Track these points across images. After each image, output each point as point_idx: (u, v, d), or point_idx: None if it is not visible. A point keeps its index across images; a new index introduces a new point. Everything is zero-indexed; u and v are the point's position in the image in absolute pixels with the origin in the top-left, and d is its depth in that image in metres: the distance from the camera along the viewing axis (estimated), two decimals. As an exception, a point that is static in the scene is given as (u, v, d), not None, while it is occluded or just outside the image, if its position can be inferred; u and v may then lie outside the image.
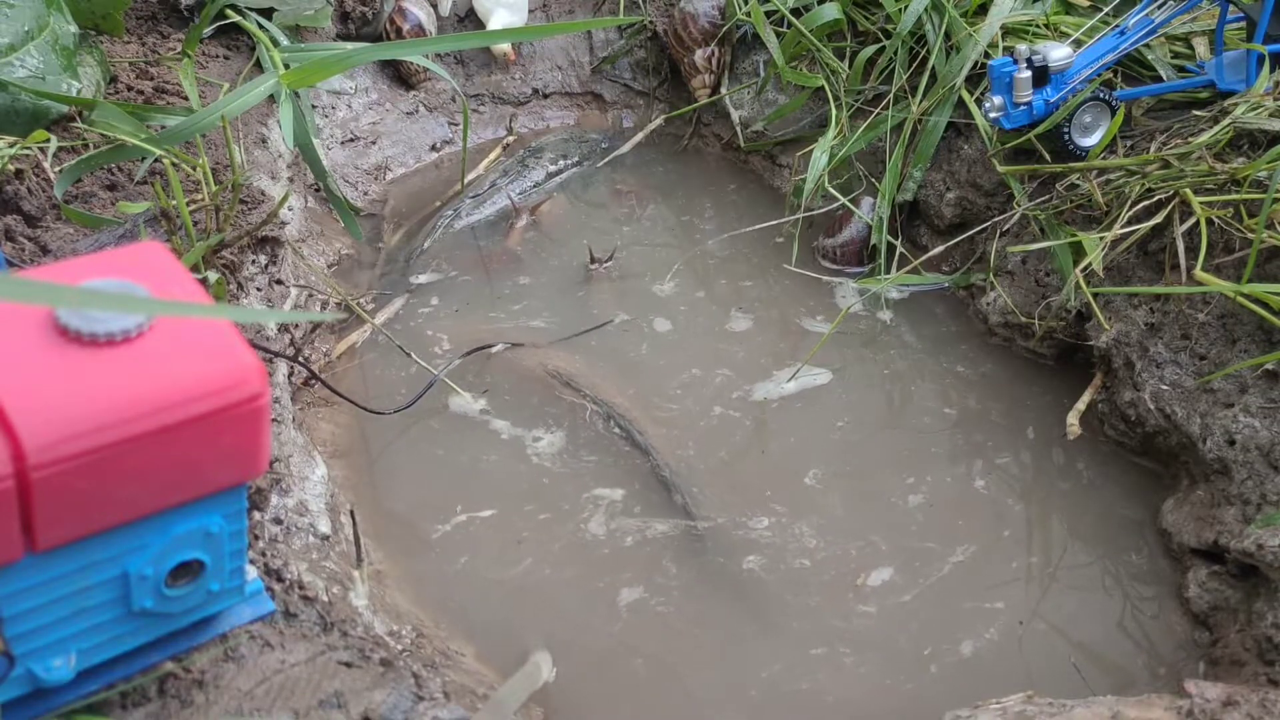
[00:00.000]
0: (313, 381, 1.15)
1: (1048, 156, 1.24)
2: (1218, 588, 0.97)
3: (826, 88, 1.48)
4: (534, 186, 1.57)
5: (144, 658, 0.65)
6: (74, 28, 1.19)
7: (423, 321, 1.32)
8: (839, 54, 1.49)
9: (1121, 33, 1.21)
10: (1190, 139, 1.14)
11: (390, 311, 1.32)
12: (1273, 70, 1.16)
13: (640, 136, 1.70)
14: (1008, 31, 1.35)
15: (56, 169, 1.07)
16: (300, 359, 1.01)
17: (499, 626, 0.97)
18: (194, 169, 1.10)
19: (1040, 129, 1.21)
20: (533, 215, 1.50)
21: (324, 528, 0.96)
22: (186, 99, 1.25)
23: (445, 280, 1.39)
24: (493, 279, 1.40)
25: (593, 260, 1.40)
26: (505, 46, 1.67)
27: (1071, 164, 1.21)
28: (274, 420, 1.00)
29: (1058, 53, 1.19)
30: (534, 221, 1.50)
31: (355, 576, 0.94)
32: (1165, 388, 1.07)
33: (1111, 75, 1.26)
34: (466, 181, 1.54)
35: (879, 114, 1.41)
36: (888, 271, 1.36)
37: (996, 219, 1.30)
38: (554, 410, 1.19)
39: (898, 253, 1.37)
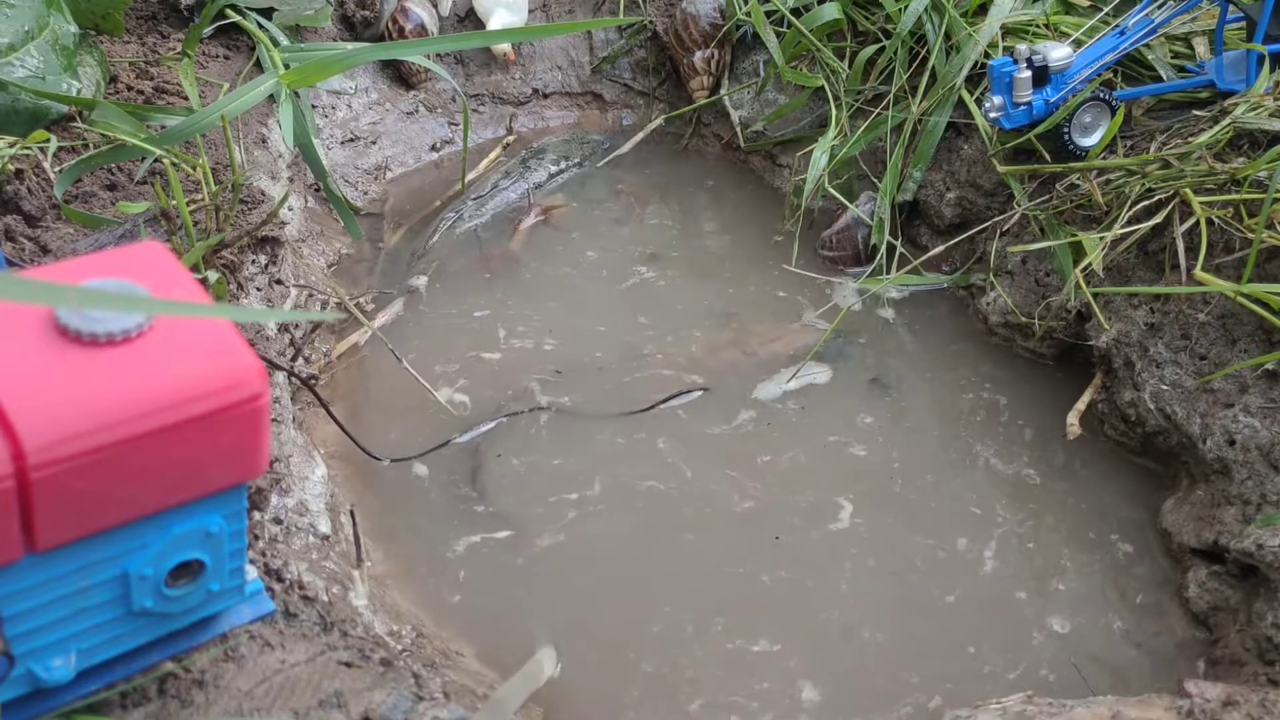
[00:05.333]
0: (313, 381, 1.15)
1: (1048, 156, 1.24)
2: (1218, 588, 0.97)
3: (826, 88, 1.48)
4: (536, 187, 1.57)
5: (144, 658, 0.65)
6: (74, 28, 1.19)
7: (422, 323, 1.32)
8: (839, 54, 1.49)
9: (1121, 33, 1.21)
10: (1190, 139, 1.14)
11: (390, 314, 1.32)
12: (1273, 70, 1.16)
13: (640, 136, 1.70)
14: (1008, 31, 1.35)
15: (56, 169, 1.07)
16: (297, 374, 1.01)
17: (499, 626, 0.97)
18: (194, 169, 1.10)
19: (1040, 129, 1.21)
20: (544, 216, 1.51)
21: (324, 528, 0.96)
22: (186, 99, 1.25)
23: (445, 281, 1.39)
24: (494, 280, 1.40)
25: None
26: (505, 46, 1.67)
27: (1071, 164, 1.21)
28: (274, 420, 1.00)
29: (1058, 53, 1.19)
30: (543, 221, 1.50)
31: (355, 576, 0.94)
32: (1165, 388, 1.07)
33: (1111, 75, 1.26)
34: (467, 181, 1.54)
35: (879, 114, 1.41)
36: (888, 271, 1.37)
37: (996, 219, 1.30)
38: (552, 412, 1.19)
39: (898, 252, 1.37)
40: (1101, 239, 1.13)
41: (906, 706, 0.92)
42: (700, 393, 1.20)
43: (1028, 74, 1.19)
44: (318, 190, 1.44)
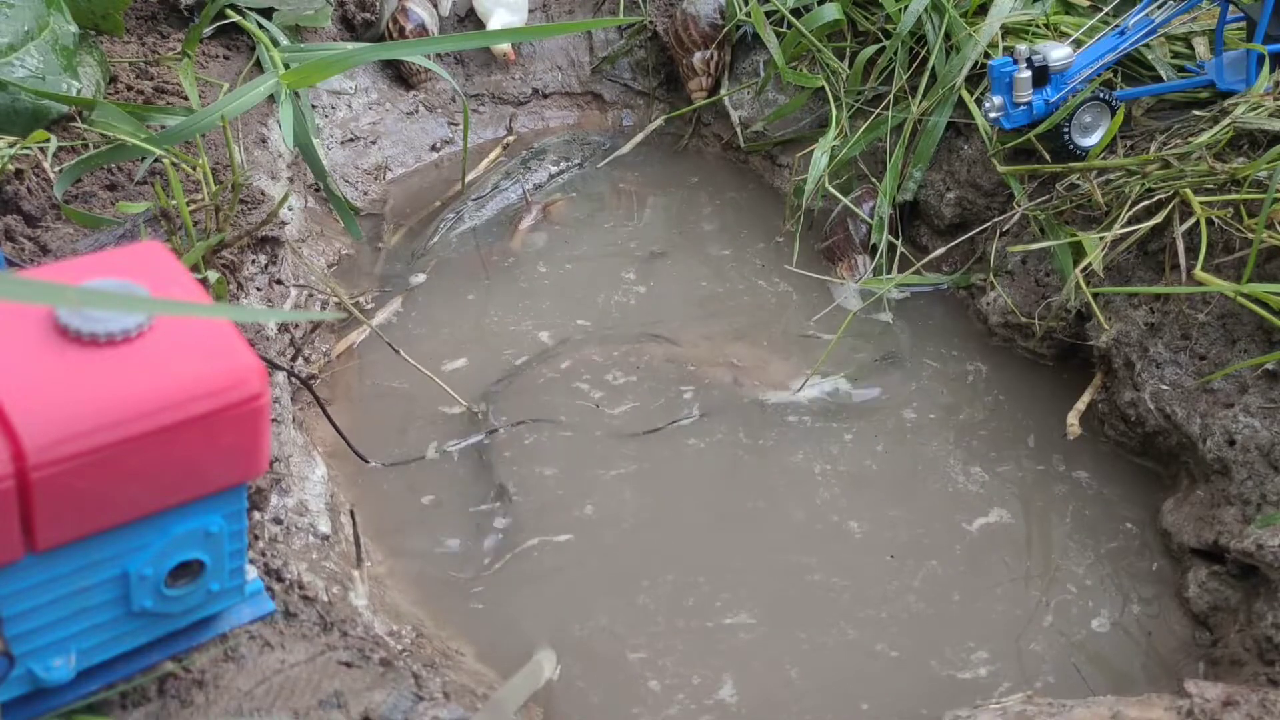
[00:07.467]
0: (312, 380, 1.15)
1: (1048, 156, 1.24)
2: (1218, 588, 0.97)
3: (826, 88, 1.48)
4: (536, 188, 1.58)
5: (144, 658, 0.65)
6: (74, 28, 1.19)
7: (421, 322, 1.32)
8: (839, 54, 1.49)
9: (1121, 33, 1.21)
10: (1190, 139, 1.14)
11: (388, 312, 1.32)
12: (1273, 70, 1.16)
13: (640, 136, 1.70)
14: (1008, 31, 1.35)
15: (56, 169, 1.07)
16: (297, 374, 1.01)
17: (499, 626, 0.97)
18: (194, 169, 1.10)
19: (1040, 129, 1.21)
20: (544, 213, 1.51)
21: (324, 528, 0.96)
22: (186, 99, 1.25)
23: (445, 282, 1.39)
24: (494, 281, 1.40)
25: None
26: (505, 46, 1.67)
27: (1071, 164, 1.21)
28: (274, 420, 1.00)
29: (1058, 53, 1.19)
30: (543, 217, 1.50)
31: (355, 576, 0.94)
32: (1165, 388, 1.07)
33: (1111, 75, 1.26)
34: (467, 182, 1.54)
35: (879, 114, 1.41)
36: (888, 271, 1.37)
37: (996, 219, 1.30)
38: (553, 412, 1.19)
39: (898, 252, 1.37)
40: (1101, 239, 1.13)
41: (906, 705, 0.92)
42: (704, 416, 1.20)
43: (1028, 74, 1.19)
44: (318, 190, 1.44)
